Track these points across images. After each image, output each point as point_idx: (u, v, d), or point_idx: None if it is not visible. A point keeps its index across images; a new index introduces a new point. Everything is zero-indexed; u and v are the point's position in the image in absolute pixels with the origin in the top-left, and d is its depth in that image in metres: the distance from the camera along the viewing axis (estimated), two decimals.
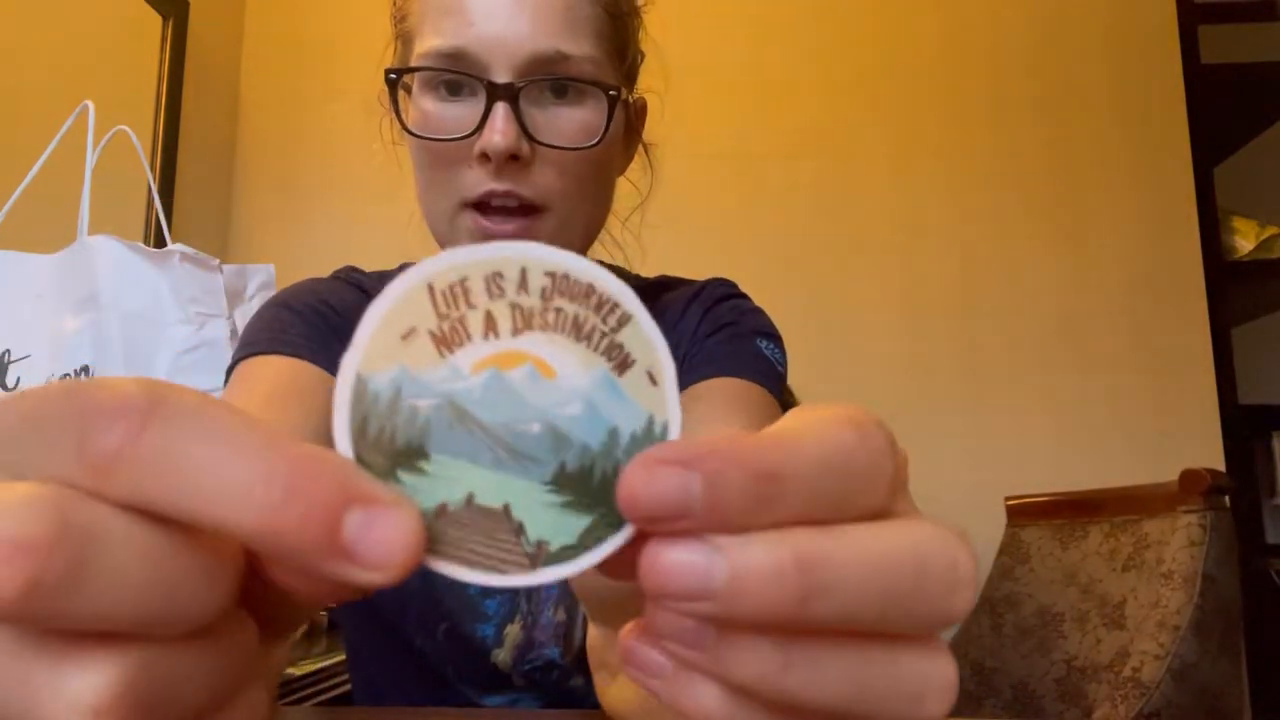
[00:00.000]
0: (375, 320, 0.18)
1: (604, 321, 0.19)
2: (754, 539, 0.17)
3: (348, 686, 1.03)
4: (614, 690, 0.39)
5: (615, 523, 0.19)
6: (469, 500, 0.18)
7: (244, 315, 0.93)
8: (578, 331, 0.19)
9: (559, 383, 0.19)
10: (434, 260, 0.19)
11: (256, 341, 0.58)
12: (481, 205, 0.55)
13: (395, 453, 0.18)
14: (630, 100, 0.63)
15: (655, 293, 0.69)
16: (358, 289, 0.65)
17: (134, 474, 0.16)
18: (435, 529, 0.18)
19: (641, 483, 0.17)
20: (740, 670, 0.17)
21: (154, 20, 1.74)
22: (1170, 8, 1.86)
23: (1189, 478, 1.12)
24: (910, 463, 0.21)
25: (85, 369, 0.86)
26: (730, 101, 1.91)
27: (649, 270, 0.74)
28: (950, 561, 0.18)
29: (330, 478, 0.16)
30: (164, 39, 1.76)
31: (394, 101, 0.57)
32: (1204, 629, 1.00)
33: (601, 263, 0.19)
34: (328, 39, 1.98)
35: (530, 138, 0.54)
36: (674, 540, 0.17)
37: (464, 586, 0.61)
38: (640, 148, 0.68)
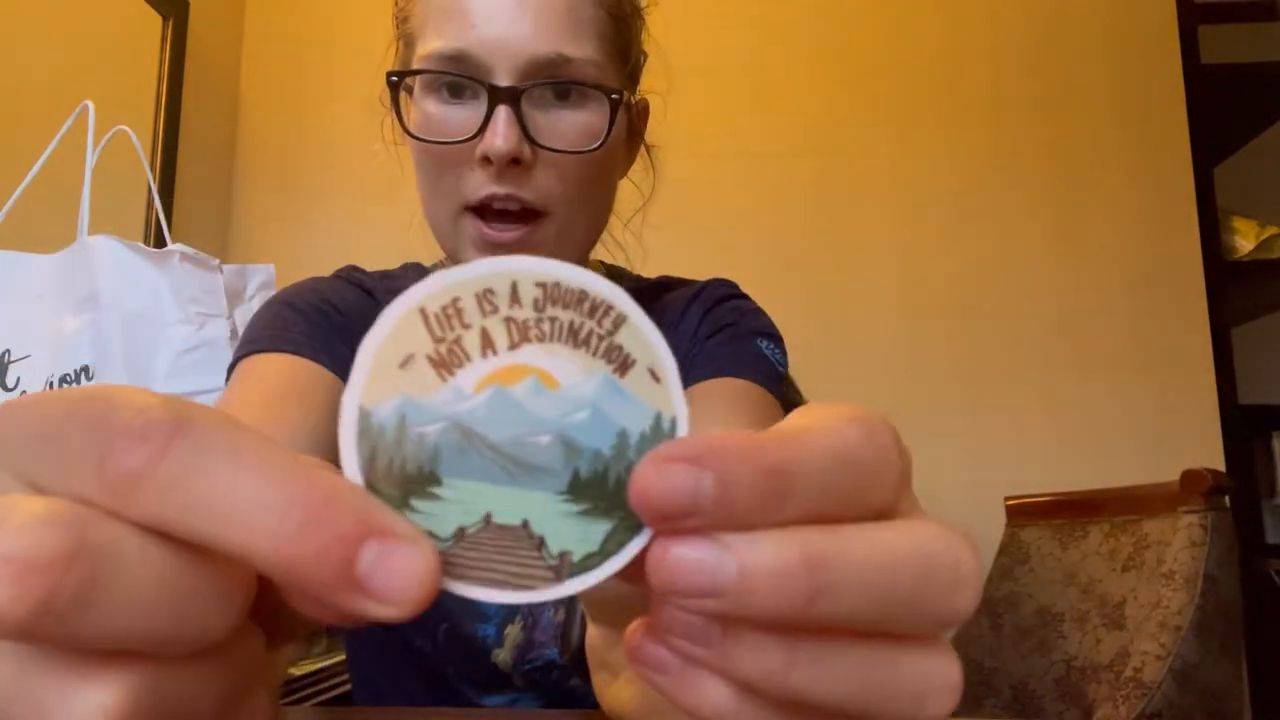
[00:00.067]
0: (371, 351, 0.18)
1: (600, 325, 0.19)
2: (762, 537, 0.17)
3: (348, 686, 1.03)
4: (614, 690, 0.39)
5: (635, 525, 0.18)
6: (487, 520, 0.18)
7: (244, 315, 0.93)
8: (575, 338, 0.19)
9: (563, 391, 0.19)
10: (422, 285, 0.19)
11: (258, 339, 0.58)
12: (483, 209, 0.55)
13: (407, 481, 0.18)
14: (632, 102, 0.63)
15: (656, 293, 0.68)
16: (359, 288, 0.65)
17: (154, 496, 0.15)
18: (455, 553, 0.18)
19: (652, 481, 0.17)
20: (747, 667, 0.17)
21: (154, 20, 1.74)
22: (1170, 8, 1.86)
23: (1190, 478, 1.12)
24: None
25: (85, 369, 0.86)
26: (730, 101, 1.91)
27: (650, 271, 0.74)
28: (953, 561, 0.18)
29: (348, 510, 0.16)
30: (164, 39, 1.76)
31: (395, 103, 0.57)
32: (1205, 629, 1.00)
33: (601, 264, 0.19)
34: (328, 39, 1.98)
35: (532, 141, 0.53)
36: (682, 537, 0.17)
37: None
38: (642, 149, 0.67)
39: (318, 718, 0.59)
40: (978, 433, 1.77)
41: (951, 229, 1.85)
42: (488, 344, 0.19)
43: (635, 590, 0.19)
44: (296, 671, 1.09)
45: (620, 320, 0.19)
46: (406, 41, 0.59)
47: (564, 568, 0.18)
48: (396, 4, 0.62)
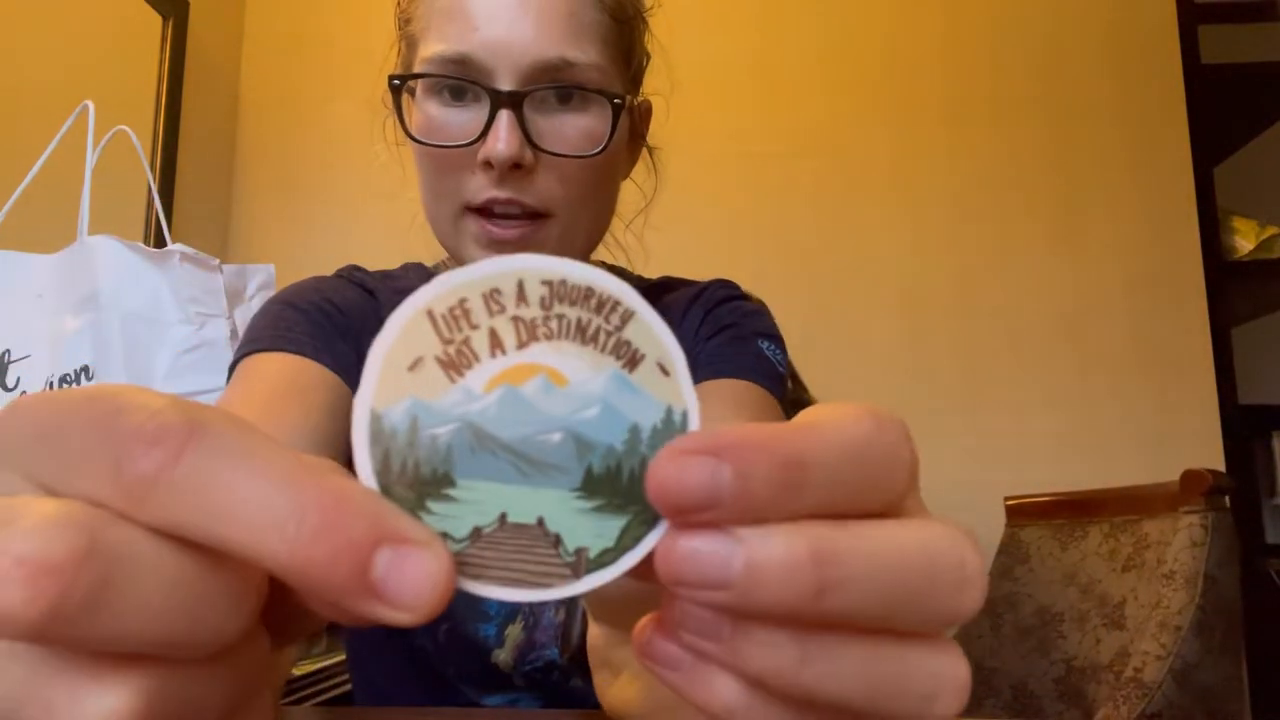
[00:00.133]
0: (380, 355, 0.18)
1: (607, 321, 0.19)
2: (772, 530, 0.17)
3: (348, 686, 1.03)
4: (614, 690, 0.39)
5: (650, 519, 0.19)
6: (502, 519, 0.18)
7: (244, 315, 0.93)
8: (583, 335, 0.19)
9: (572, 389, 0.19)
10: (429, 287, 0.19)
11: (260, 338, 0.58)
12: (484, 210, 0.55)
13: (421, 484, 0.18)
14: (635, 104, 0.63)
15: (657, 294, 0.68)
16: (361, 288, 0.65)
17: (167, 499, 0.15)
18: (472, 553, 0.18)
19: (670, 474, 0.17)
20: (757, 662, 0.17)
21: (154, 20, 1.74)
22: (1170, 8, 1.86)
23: (1190, 478, 1.12)
24: None
25: (85, 369, 0.86)
26: (731, 102, 1.91)
27: (651, 271, 0.74)
28: (958, 560, 0.18)
29: (361, 515, 0.16)
30: (164, 39, 1.76)
31: (398, 105, 0.57)
32: (1205, 629, 1.00)
33: (603, 264, 0.19)
34: (328, 39, 1.98)
35: (534, 145, 0.53)
36: (693, 530, 0.17)
37: None
38: (644, 151, 0.67)
39: (318, 718, 0.59)
40: (978, 432, 1.77)
41: (951, 229, 1.86)
42: (496, 344, 0.19)
43: (643, 587, 0.19)
44: (297, 671, 1.09)
45: (628, 316, 0.19)
46: (409, 43, 0.59)
47: (581, 564, 0.18)
48: (399, 5, 0.62)
